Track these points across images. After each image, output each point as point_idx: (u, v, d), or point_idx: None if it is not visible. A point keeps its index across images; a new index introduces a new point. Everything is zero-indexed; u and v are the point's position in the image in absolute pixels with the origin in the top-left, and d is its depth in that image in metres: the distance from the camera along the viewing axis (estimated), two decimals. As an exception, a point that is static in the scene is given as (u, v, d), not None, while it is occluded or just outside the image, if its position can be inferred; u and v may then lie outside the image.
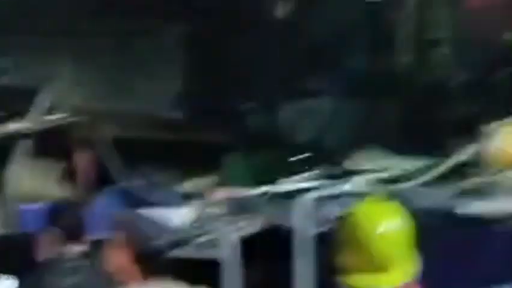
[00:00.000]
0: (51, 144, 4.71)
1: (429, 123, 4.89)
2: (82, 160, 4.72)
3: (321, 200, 3.94)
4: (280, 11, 5.95)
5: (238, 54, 5.82)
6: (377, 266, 2.27)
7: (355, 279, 2.26)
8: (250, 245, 3.64)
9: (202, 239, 3.55)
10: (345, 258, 2.29)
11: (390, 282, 2.28)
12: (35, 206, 4.24)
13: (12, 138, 4.54)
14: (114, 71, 5.86)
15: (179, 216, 3.69)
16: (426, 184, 4.07)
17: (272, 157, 5.07)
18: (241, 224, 3.76)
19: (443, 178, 4.09)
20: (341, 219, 2.39)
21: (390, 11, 5.51)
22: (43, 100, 4.79)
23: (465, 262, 3.52)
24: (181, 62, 6.04)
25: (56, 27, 5.52)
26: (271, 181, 4.52)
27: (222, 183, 4.95)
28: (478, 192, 3.68)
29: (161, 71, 5.91)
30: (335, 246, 2.32)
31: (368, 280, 2.26)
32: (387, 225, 2.34)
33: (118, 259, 2.63)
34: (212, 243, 3.54)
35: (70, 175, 4.70)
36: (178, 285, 2.57)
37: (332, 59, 5.40)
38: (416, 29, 5.41)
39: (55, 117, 4.81)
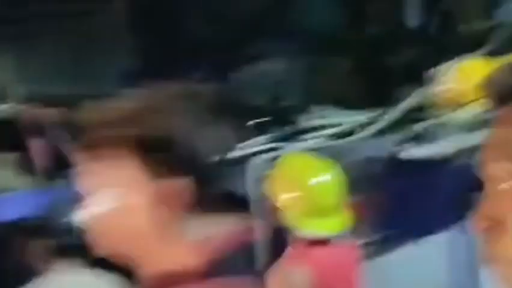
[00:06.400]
0: (2, 136, 4.67)
1: (376, 74, 4.93)
2: (37, 148, 4.70)
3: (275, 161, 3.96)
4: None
5: (183, 24, 5.79)
6: (318, 211, 2.36)
7: (302, 222, 2.34)
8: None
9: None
10: (287, 204, 2.37)
11: (335, 227, 2.37)
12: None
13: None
14: (60, 54, 5.79)
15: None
16: (377, 134, 4.12)
17: (224, 124, 5.07)
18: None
19: (394, 126, 4.13)
20: (270, 176, 2.48)
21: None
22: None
23: (414, 204, 3.60)
24: (128, 39, 5.99)
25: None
26: (225, 149, 4.51)
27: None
28: (423, 137, 3.73)
29: (109, 50, 5.85)
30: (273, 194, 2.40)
31: (314, 224, 2.34)
32: (323, 176, 2.43)
33: None
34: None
35: (26, 164, 4.68)
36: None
37: (277, 20, 5.40)
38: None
39: (3, 107, 4.75)
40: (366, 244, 3.40)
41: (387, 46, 5.06)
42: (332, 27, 5.24)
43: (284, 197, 2.40)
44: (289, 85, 5.29)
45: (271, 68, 5.35)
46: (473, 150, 3.65)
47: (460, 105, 4.28)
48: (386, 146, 3.80)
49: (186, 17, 5.68)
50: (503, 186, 0.82)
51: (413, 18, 5.21)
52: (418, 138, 3.70)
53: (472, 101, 4.32)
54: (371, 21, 5.32)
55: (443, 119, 4.06)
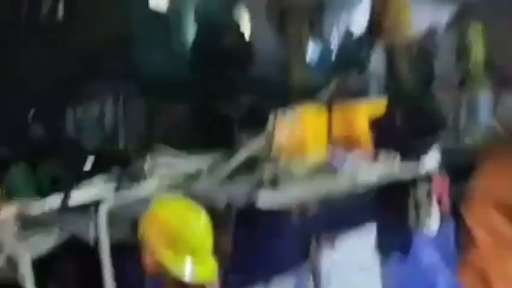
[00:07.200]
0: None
1: (218, 119, 4.98)
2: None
3: (116, 206, 3.88)
4: (56, 13, 5.72)
5: (13, 61, 5.50)
6: (190, 255, 2.37)
7: (174, 265, 2.33)
8: (50, 261, 3.48)
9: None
10: (159, 254, 2.35)
11: (206, 271, 2.39)
12: None
13: None
14: None
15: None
16: (221, 179, 4.13)
17: (59, 166, 4.86)
18: (37, 240, 3.56)
19: (238, 171, 4.18)
20: (144, 218, 2.46)
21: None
22: None
23: (265, 251, 3.66)
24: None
25: None
26: (61, 191, 4.33)
27: (5, 198, 4.66)
28: (271, 183, 3.81)
29: None
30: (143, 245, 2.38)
31: (186, 268, 2.34)
32: (197, 219, 2.46)
33: None
34: (7, 264, 3.31)
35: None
36: None
37: (115, 61, 5.29)
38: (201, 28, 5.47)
39: None
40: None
41: (228, 91, 5.14)
42: (172, 70, 5.24)
43: (155, 240, 2.37)
44: (125, 127, 5.19)
45: (108, 110, 5.23)
46: (315, 197, 3.79)
47: (299, 152, 4.43)
48: (232, 192, 3.82)
49: (16, 53, 5.41)
50: (486, 237, 0.83)
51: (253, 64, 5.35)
52: (267, 185, 3.77)
53: (312, 148, 4.49)
54: (207, 66, 5.38)
55: (286, 165, 4.16)
